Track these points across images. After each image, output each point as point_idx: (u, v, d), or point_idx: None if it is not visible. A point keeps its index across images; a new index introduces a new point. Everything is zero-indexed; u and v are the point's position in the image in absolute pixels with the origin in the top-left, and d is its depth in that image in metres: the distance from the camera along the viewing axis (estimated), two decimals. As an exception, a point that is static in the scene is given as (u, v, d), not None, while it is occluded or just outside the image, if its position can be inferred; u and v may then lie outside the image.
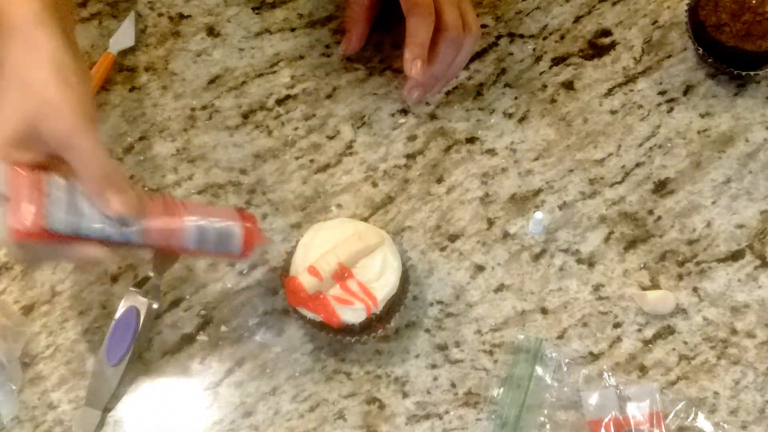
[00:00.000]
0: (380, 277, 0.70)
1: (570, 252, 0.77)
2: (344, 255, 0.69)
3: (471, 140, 0.82)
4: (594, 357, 0.74)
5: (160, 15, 0.88)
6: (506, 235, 0.78)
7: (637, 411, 0.71)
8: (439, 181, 0.81)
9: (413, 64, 0.77)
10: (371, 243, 0.70)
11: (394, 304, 0.72)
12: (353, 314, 0.69)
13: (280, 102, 0.84)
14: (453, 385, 0.73)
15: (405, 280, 0.73)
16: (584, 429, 0.71)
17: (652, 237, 0.78)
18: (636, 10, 0.87)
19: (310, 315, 0.70)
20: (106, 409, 0.73)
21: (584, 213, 0.79)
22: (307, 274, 0.69)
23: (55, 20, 0.64)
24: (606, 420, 0.70)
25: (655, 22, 0.87)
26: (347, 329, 0.71)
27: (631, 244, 0.78)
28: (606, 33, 0.86)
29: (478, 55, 0.86)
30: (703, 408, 0.72)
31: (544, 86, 0.84)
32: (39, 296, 0.77)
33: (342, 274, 0.69)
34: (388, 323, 0.72)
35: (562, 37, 0.86)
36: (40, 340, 0.75)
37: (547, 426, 0.71)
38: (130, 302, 0.75)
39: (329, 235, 0.71)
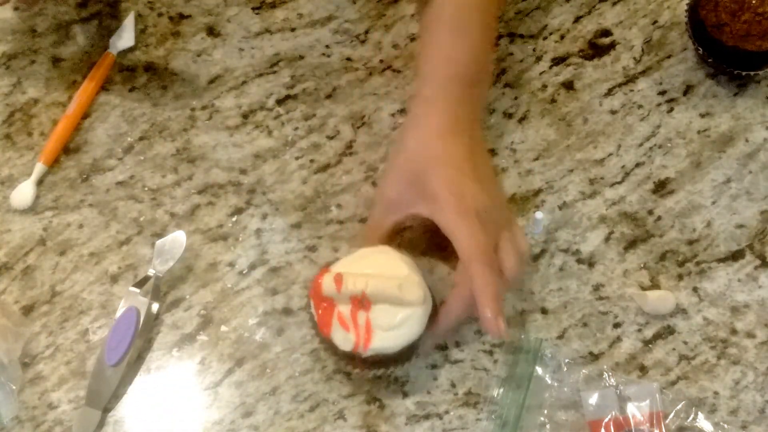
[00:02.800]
0: (389, 331, 0.67)
1: (570, 252, 0.77)
2: (374, 289, 0.67)
3: (471, 140, 0.82)
4: (594, 357, 0.74)
5: (160, 15, 0.89)
6: (506, 235, 0.78)
7: (637, 411, 0.71)
8: (439, 181, 0.80)
9: (497, 323, 0.66)
10: (406, 299, 0.67)
11: (384, 363, 0.69)
12: (341, 339, 0.68)
13: (280, 102, 0.84)
14: (453, 385, 0.73)
15: (411, 352, 0.70)
16: (584, 429, 0.71)
17: (652, 237, 0.78)
18: (636, 10, 0.87)
19: (312, 311, 0.70)
20: (106, 409, 0.73)
21: (584, 213, 0.79)
22: (330, 277, 0.68)
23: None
24: (606, 420, 0.70)
25: (655, 22, 0.87)
26: (332, 345, 0.69)
27: (631, 244, 0.78)
28: (606, 33, 0.86)
29: (478, 55, 0.86)
30: (703, 408, 0.72)
31: (544, 86, 0.84)
32: (39, 296, 0.77)
33: (359, 300, 0.67)
34: (368, 371, 0.70)
35: (562, 37, 0.86)
36: (40, 340, 0.75)
37: (547, 426, 0.71)
38: (130, 302, 0.75)
39: (380, 264, 0.69)
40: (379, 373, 0.70)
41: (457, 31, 0.74)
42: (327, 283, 0.67)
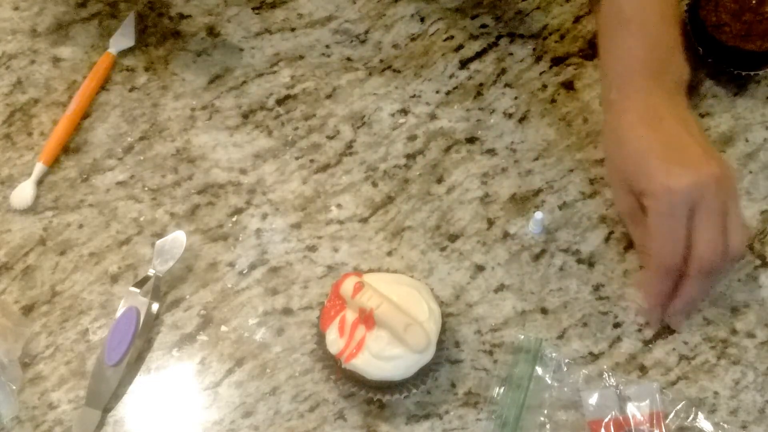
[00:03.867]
0: (376, 359, 0.67)
1: (570, 252, 0.77)
2: (383, 314, 0.66)
3: (471, 140, 0.82)
4: (594, 357, 0.74)
5: (160, 15, 0.89)
6: (506, 235, 0.78)
7: (637, 411, 0.71)
8: (439, 181, 0.81)
9: (650, 312, 0.71)
10: (406, 341, 0.66)
11: (360, 384, 0.69)
12: (331, 340, 0.68)
13: (280, 102, 0.84)
14: (453, 385, 0.73)
15: (391, 388, 0.69)
16: (584, 429, 0.71)
17: (652, 237, 0.78)
18: (636, 10, 0.87)
19: (326, 302, 0.70)
20: (106, 409, 0.73)
21: (584, 213, 0.79)
22: (353, 281, 0.68)
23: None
24: (606, 420, 0.70)
25: (655, 22, 0.87)
26: (323, 339, 0.70)
27: (632, 244, 0.78)
28: (606, 33, 0.86)
29: (478, 55, 0.86)
30: (703, 408, 0.72)
31: (544, 86, 0.84)
32: (39, 296, 0.77)
33: (366, 316, 0.67)
34: (343, 383, 0.70)
35: (562, 37, 0.86)
36: (40, 340, 0.75)
37: (547, 426, 0.71)
38: (130, 302, 0.75)
39: (407, 297, 0.68)
40: (353, 390, 0.70)
41: (632, 26, 0.71)
42: (347, 285, 0.68)
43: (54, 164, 0.82)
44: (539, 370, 0.72)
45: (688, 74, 0.74)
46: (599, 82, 0.84)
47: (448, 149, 0.82)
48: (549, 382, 0.72)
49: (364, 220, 0.79)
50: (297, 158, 0.82)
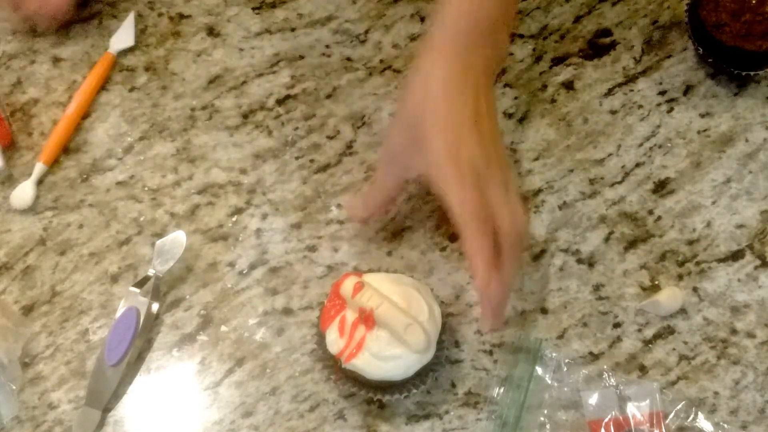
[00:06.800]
0: (375, 359, 0.67)
1: (570, 252, 0.77)
2: (383, 314, 0.66)
3: (471, 140, 0.82)
4: (594, 357, 0.74)
5: (160, 15, 0.89)
6: (506, 235, 0.78)
7: (637, 411, 0.71)
8: (439, 181, 0.80)
9: (488, 288, 0.66)
10: (406, 340, 0.66)
11: (360, 384, 0.69)
12: (331, 340, 0.68)
13: (280, 102, 0.84)
14: (453, 385, 0.73)
15: (391, 388, 0.69)
16: (584, 429, 0.71)
17: (652, 237, 0.78)
18: (636, 10, 0.87)
19: (326, 302, 0.70)
20: (106, 409, 0.73)
21: (584, 213, 0.79)
22: (353, 281, 0.68)
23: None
24: (606, 420, 0.70)
25: (655, 22, 0.87)
26: (323, 339, 0.70)
27: (631, 244, 0.78)
28: (606, 33, 0.86)
29: (478, 55, 0.86)
30: (703, 408, 0.72)
31: (544, 86, 0.84)
32: (39, 296, 0.77)
33: (366, 316, 0.67)
34: (343, 383, 0.70)
35: (562, 37, 0.86)
36: (40, 340, 0.75)
37: (547, 426, 0.71)
38: (130, 302, 0.75)
39: (407, 297, 0.68)
40: (353, 390, 0.70)
41: None
42: (347, 285, 0.68)
43: (54, 164, 0.82)
44: (539, 370, 0.72)
45: (508, 37, 0.75)
46: (599, 81, 0.84)
47: (448, 149, 0.82)
48: (549, 382, 0.72)
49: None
50: (297, 158, 0.82)
